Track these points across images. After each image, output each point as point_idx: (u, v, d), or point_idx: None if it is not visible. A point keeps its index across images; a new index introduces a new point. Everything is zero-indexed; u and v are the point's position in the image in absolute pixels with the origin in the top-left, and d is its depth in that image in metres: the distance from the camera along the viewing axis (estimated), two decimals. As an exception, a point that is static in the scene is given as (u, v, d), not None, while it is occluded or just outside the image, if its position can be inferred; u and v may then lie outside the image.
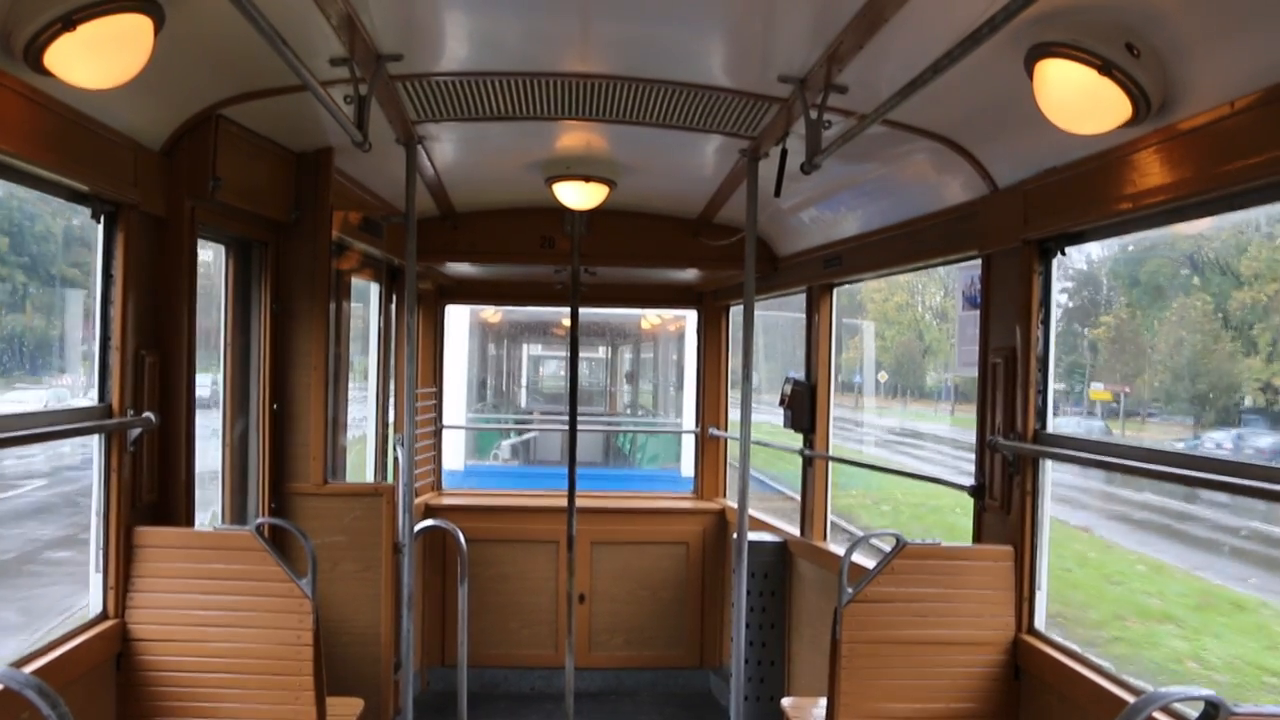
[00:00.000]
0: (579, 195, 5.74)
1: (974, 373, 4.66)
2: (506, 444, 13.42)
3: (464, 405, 12.13)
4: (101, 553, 3.94)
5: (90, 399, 3.95)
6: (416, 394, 5.35)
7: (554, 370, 15.88)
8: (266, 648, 4.03)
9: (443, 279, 8.32)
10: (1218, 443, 7.64)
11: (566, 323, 6.56)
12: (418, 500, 7.76)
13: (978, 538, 4.63)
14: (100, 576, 3.95)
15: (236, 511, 5.05)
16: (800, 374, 6.64)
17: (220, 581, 4.06)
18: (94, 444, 3.92)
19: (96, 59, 2.96)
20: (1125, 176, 3.41)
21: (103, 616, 3.94)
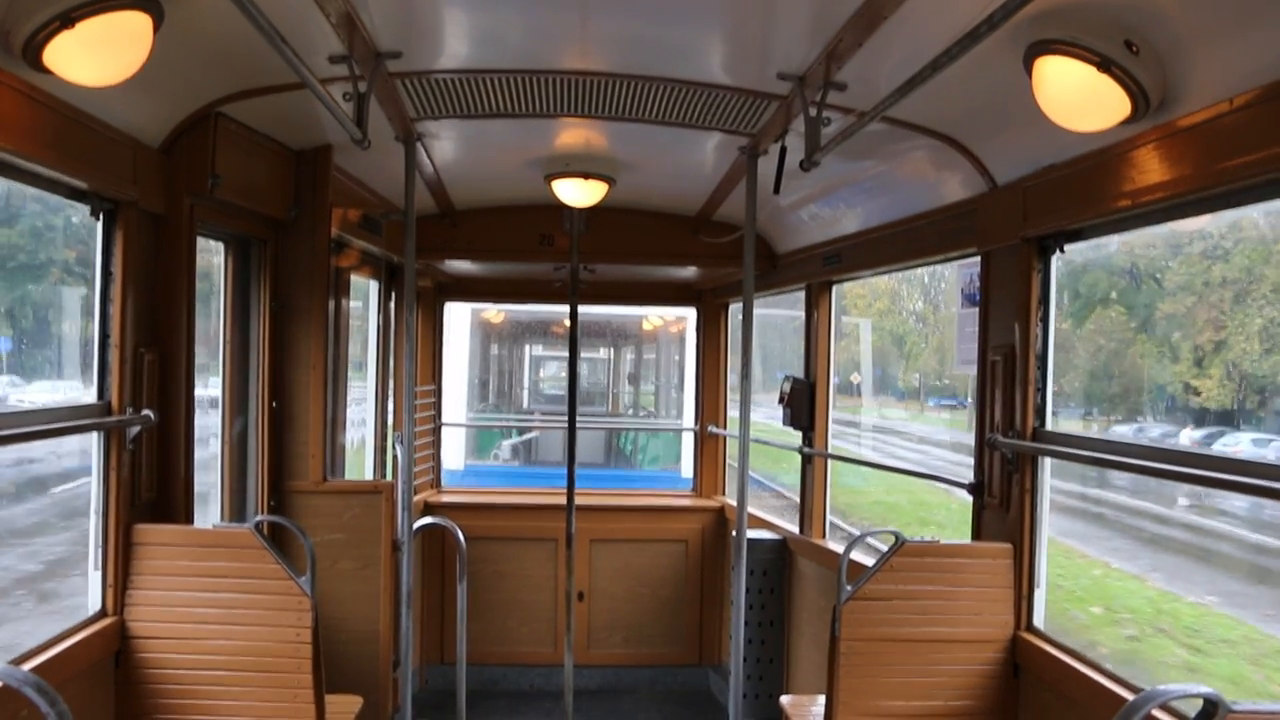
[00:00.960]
0: (578, 192, 5.74)
1: (972, 370, 4.66)
2: (507, 444, 13.42)
3: (464, 405, 12.13)
4: (100, 550, 3.94)
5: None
6: (415, 391, 5.35)
7: (555, 371, 15.88)
8: (265, 645, 4.03)
9: (442, 276, 8.32)
10: (1120, 435, 8.69)
11: (568, 322, 6.56)
12: (417, 498, 7.76)
13: (977, 535, 4.63)
14: (99, 574, 3.95)
15: (235, 509, 5.05)
16: (789, 371, 6.65)
17: (219, 579, 4.06)
18: (93, 442, 3.92)
19: (95, 56, 2.96)
20: (1124, 174, 3.41)
21: (101, 614, 3.94)
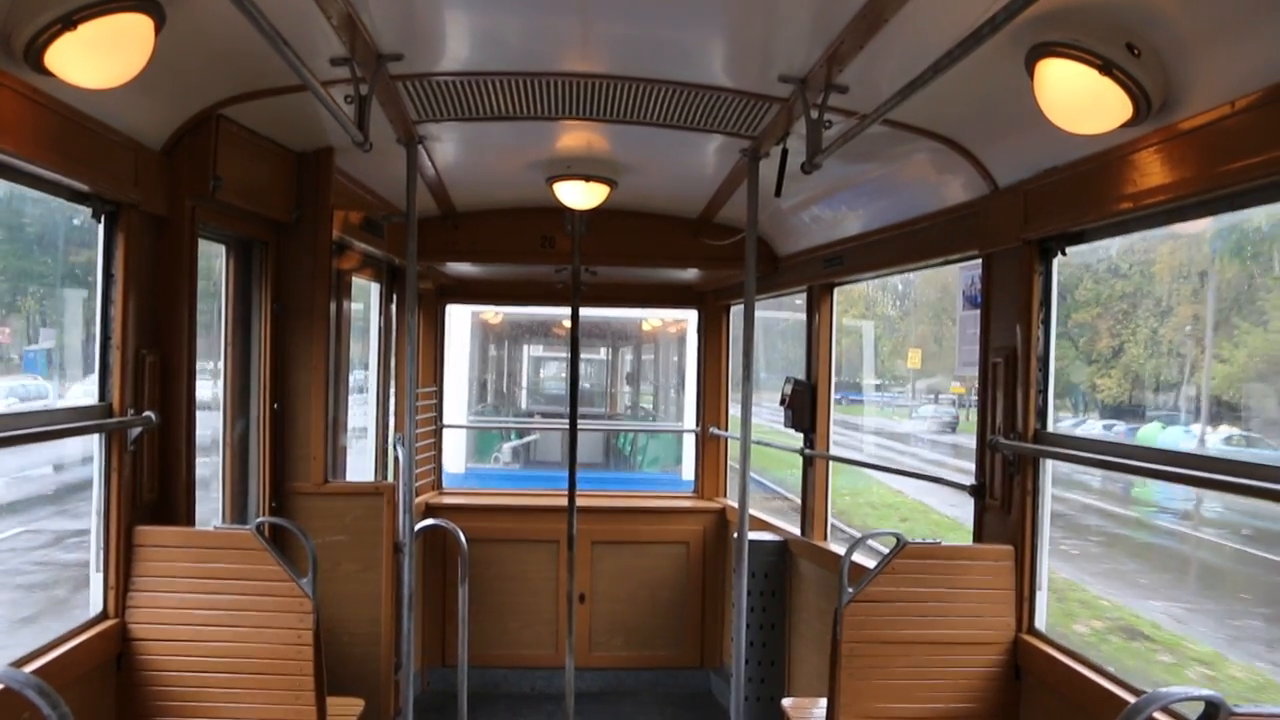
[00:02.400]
0: (580, 195, 5.74)
1: (974, 372, 4.66)
2: (507, 446, 13.41)
3: (465, 406, 12.12)
4: (102, 552, 3.94)
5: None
6: (417, 393, 5.34)
7: (555, 371, 15.87)
8: (267, 647, 4.03)
9: (443, 278, 8.32)
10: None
11: (568, 323, 6.56)
12: (418, 500, 7.76)
13: (978, 537, 4.63)
14: (100, 576, 3.95)
15: (237, 511, 5.05)
16: (775, 370, 6.65)
17: (221, 581, 4.06)
18: (94, 443, 3.92)
19: (97, 59, 2.96)
20: (1126, 176, 3.41)
21: (103, 616, 3.94)
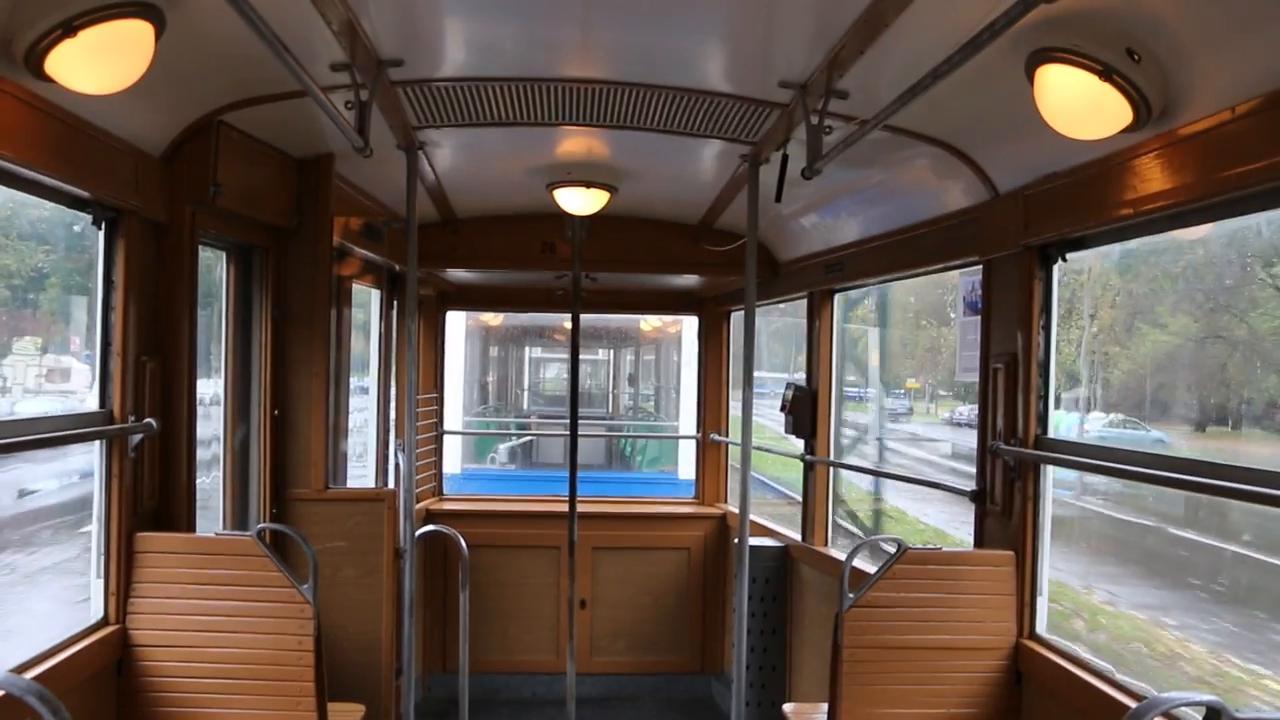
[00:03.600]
0: (580, 201, 5.74)
1: (974, 378, 4.66)
2: (504, 447, 13.42)
3: (461, 408, 12.13)
4: (103, 558, 3.94)
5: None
6: (417, 399, 5.33)
7: (555, 373, 15.87)
8: (268, 653, 4.03)
9: (443, 285, 8.32)
10: (961, 412, 11.19)
11: (568, 326, 6.57)
12: (419, 506, 7.76)
13: (979, 543, 4.62)
14: (101, 582, 3.95)
15: (238, 517, 5.04)
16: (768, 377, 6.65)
17: (221, 587, 4.05)
18: (95, 450, 3.92)
19: (97, 65, 2.96)
20: (1126, 182, 3.41)
21: (104, 622, 3.94)
